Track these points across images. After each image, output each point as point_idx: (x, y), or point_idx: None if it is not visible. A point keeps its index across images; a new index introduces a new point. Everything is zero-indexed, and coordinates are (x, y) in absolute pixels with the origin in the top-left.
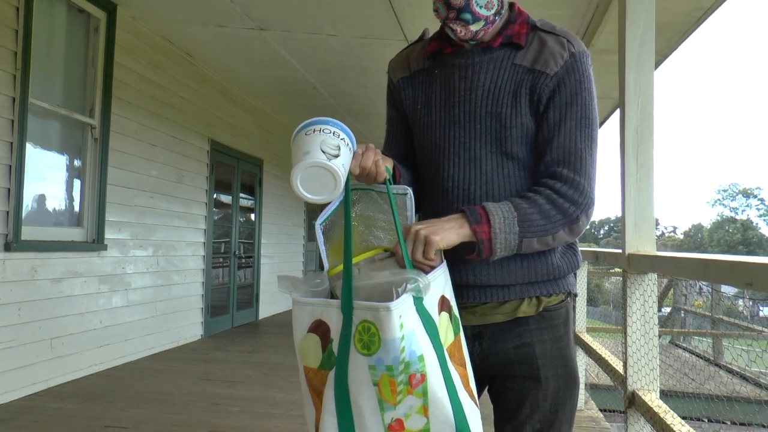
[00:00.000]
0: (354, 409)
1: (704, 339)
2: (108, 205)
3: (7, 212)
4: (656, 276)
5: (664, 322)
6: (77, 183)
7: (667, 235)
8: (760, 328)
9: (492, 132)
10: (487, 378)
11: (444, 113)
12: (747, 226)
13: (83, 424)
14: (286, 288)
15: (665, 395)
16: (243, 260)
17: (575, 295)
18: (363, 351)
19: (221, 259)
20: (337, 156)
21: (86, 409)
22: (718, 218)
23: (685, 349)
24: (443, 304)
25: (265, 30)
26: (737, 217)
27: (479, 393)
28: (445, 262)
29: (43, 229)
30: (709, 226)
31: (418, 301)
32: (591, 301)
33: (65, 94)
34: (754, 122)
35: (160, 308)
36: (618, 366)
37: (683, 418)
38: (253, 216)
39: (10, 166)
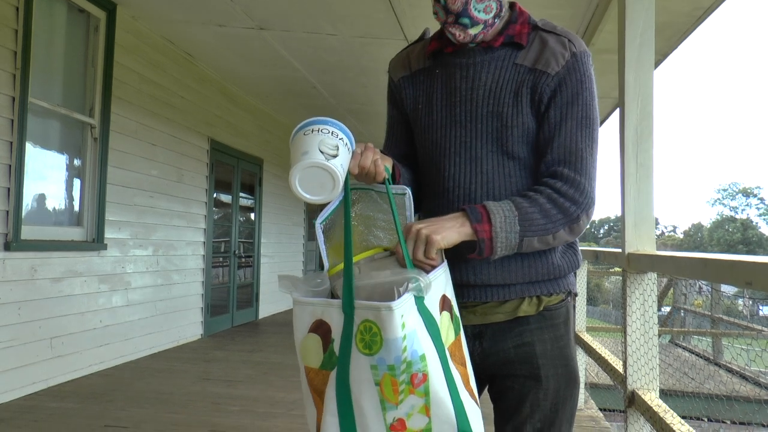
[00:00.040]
0: (355, 409)
1: (704, 338)
2: (108, 205)
3: (7, 212)
4: (656, 275)
5: (663, 321)
6: (77, 182)
7: (667, 234)
8: (759, 327)
9: (493, 132)
10: (487, 377)
11: (445, 113)
12: (747, 225)
13: (83, 424)
14: (287, 288)
15: (665, 394)
16: (243, 260)
17: (575, 295)
18: (365, 351)
19: (221, 259)
20: (335, 156)
21: (86, 409)
22: (718, 217)
23: (684, 348)
24: (444, 303)
25: (264, 29)
26: (737, 217)
27: (479, 392)
28: (445, 262)
29: (42, 228)
30: (709, 226)
31: (419, 301)
32: (591, 301)
33: (65, 93)
34: (754, 122)
35: (160, 308)
36: (618, 365)
37: (683, 417)
38: (252, 215)
39: (10, 166)
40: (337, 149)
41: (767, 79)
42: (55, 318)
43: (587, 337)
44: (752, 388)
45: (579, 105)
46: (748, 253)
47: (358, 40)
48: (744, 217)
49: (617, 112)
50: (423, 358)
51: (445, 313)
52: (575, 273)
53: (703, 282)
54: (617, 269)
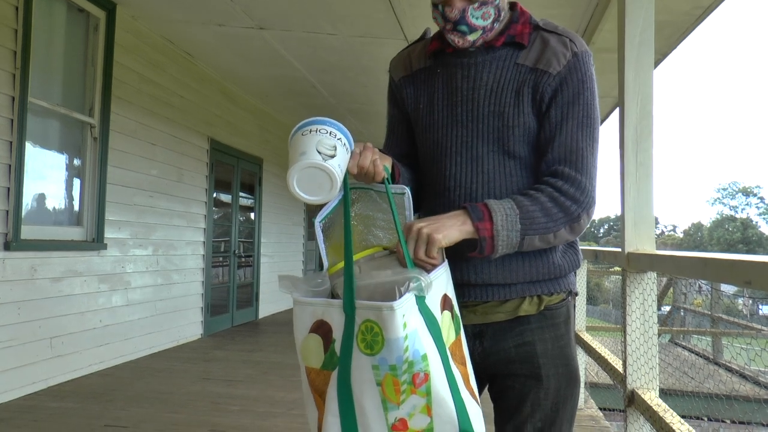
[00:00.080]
0: (357, 409)
1: (703, 337)
2: (108, 204)
3: (7, 211)
4: (656, 275)
5: (663, 320)
6: (77, 182)
7: (666, 233)
8: (759, 326)
9: (494, 131)
10: (487, 377)
11: (447, 113)
12: (747, 224)
13: (83, 423)
14: (287, 288)
15: (665, 394)
16: (243, 259)
17: (576, 294)
18: (366, 351)
19: (221, 258)
20: (333, 156)
21: (86, 408)
22: (718, 217)
23: (684, 347)
24: (445, 302)
25: (264, 29)
26: (737, 216)
27: (479, 392)
28: (446, 261)
29: (42, 228)
30: (708, 225)
31: (420, 300)
32: (590, 300)
33: (65, 93)
34: (754, 121)
35: (160, 307)
36: (617, 365)
37: (683, 416)
38: (252, 215)
39: (10, 166)
40: (335, 149)
41: (766, 79)
42: (55, 318)
43: (587, 337)
44: (752, 387)
45: (580, 104)
46: (748, 252)
47: (357, 39)
48: (744, 216)
49: (617, 111)
50: (425, 357)
51: (446, 313)
52: (575, 272)
53: (703, 281)
54: (617, 268)
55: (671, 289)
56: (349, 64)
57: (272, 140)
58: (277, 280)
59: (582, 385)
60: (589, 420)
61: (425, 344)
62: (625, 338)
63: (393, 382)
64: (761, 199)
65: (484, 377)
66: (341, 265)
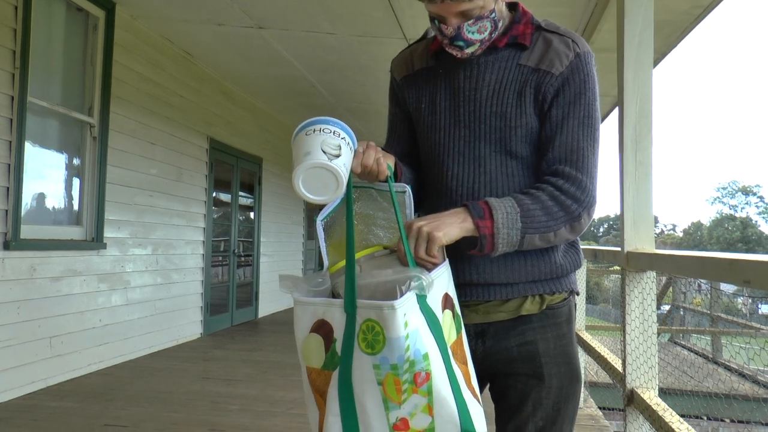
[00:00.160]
0: (358, 408)
1: (703, 336)
2: (107, 204)
3: (6, 211)
4: (655, 274)
5: (663, 320)
6: (76, 181)
7: (666, 232)
8: (758, 325)
9: (496, 132)
10: (488, 376)
11: (449, 113)
12: (746, 223)
13: (83, 423)
14: (288, 288)
15: (664, 393)
16: (242, 258)
17: (577, 293)
18: (367, 350)
19: (221, 258)
20: (338, 156)
21: (86, 408)
22: (718, 216)
23: (683, 346)
24: (446, 301)
25: (263, 28)
26: (737, 215)
27: (480, 391)
28: (447, 260)
29: (42, 227)
30: (708, 224)
31: (421, 299)
32: (590, 299)
33: (64, 92)
34: (754, 120)
35: (160, 307)
36: (617, 364)
37: (682, 416)
38: (252, 214)
39: (9, 165)
40: (340, 149)
41: (767, 78)
42: (55, 317)
43: (586, 336)
44: (751, 386)
45: (581, 104)
46: (747, 251)
47: (356, 38)
48: (743, 215)
49: (616, 110)
50: (426, 357)
51: (448, 312)
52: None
53: (702, 280)
54: (616, 268)
55: (671, 288)
56: (348, 63)
57: (272, 139)
58: (277, 280)
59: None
60: (589, 419)
61: (426, 343)
62: (624, 337)
63: (394, 382)
64: (761, 198)
65: (485, 376)
66: (342, 264)
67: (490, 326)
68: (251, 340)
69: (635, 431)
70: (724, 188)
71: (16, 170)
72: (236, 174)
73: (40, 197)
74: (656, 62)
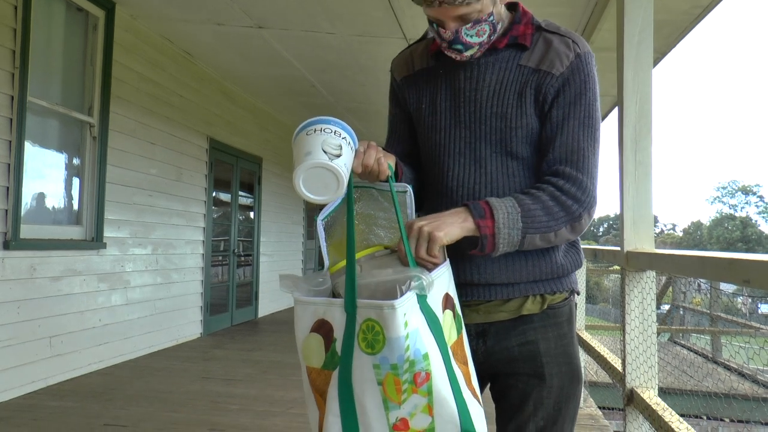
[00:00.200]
0: (358, 408)
1: (702, 336)
2: (107, 204)
3: (6, 211)
4: (655, 273)
5: (663, 319)
6: (76, 181)
7: (666, 232)
8: (757, 325)
9: (497, 132)
10: (489, 376)
11: (449, 114)
12: (746, 223)
13: (82, 423)
14: (288, 287)
15: (664, 393)
16: (242, 258)
17: (578, 293)
18: (367, 350)
19: (220, 257)
20: (339, 156)
21: (85, 408)
22: (718, 215)
23: (683, 346)
24: (447, 301)
25: (263, 28)
26: (736, 215)
27: (481, 391)
28: (448, 260)
29: (42, 227)
30: (708, 224)
31: (422, 299)
32: (590, 299)
33: (64, 92)
34: (754, 120)
35: (160, 306)
36: (616, 363)
37: (681, 415)
38: (252, 214)
39: (9, 165)
40: (341, 149)
41: (766, 78)
42: (55, 317)
43: (586, 336)
44: (750, 385)
45: (582, 105)
46: (747, 251)
47: (356, 38)
48: (743, 215)
49: (616, 110)
50: (426, 357)
51: (448, 312)
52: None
53: (702, 280)
54: (616, 267)
55: (670, 288)
56: (347, 62)
57: (271, 139)
58: (277, 279)
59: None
60: (589, 419)
61: (426, 343)
62: (624, 337)
63: (394, 382)
64: (761, 197)
65: (485, 376)
66: (342, 264)
67: (491, 326)
68: (251, 339)
69: (635, 431)
70: (723, 188)
71: (16, 170)
72: (236, 174)
73: (40, 197)
74: (656, 62)
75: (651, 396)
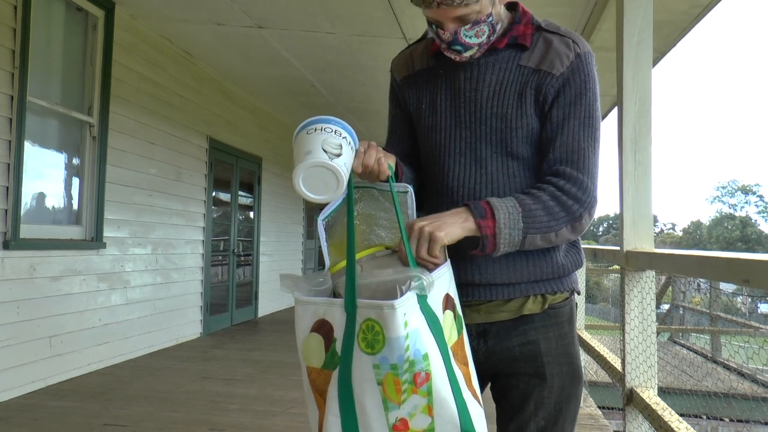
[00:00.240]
0: (358, 408)
1: (702, 336)
2: (107, 203)
3: (6, 210)
4: (654, 273)
5: (662, 319)
6: (76, 181)
7: (666, 231)
8: (757, 324)
9: (497, 133)
10: (489, 376)
11: (449, 114)
12: (746, 222)
13: (82, 422)
14: (289, 287)
15: (663, 392)
16: (242, 258)
17: (578, 293)
18: (367, 350)
19: (220, 257)
20: (339, 155)
21: (85, 407)
22: (717, 215)
23: (683, 345)
24: (447, 302)
25: (263, 28)
26: (736, 214)
27: (481, 391)
28: (449, 261)
29: (41, 227)
30: (708, 223)
31: (422, 300)
32: (590, 298)
33: (63, 92)
34: (753, 119)
35: (159, 306)
36: (616, 363)
37: (681, 415)
38: (252, 214)
39: (9, 165)
40: (341, 148)
41: (766, 77)
42: (54, 317)
43: (586, 335)
44: (750, 385)
45: (582, 105)
46: (747, 250)
47: (356, 38)
48: (743, 214)
49: (615, 110)
50: (426, 357)
51: (449, 312)
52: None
53: (702, 279)
54: (616, 267)
55: (670, 288)
56: (347, 62)
57: (271, 139)
58: (277, 279)
59: None
60: (588, 418)
61: (426, 344)
62: (623, 337)
63: (394, 382)
64: (760, 197)
65: (486, 376)
66: (343, 264)
67: (492, 326)
68: (251, 339)
69: (635, 430)
70: (723, 187)
71: (16, 170)
72: (236, 173)
73: (40, 197)
74: (655, 61)
75: (650, 395)
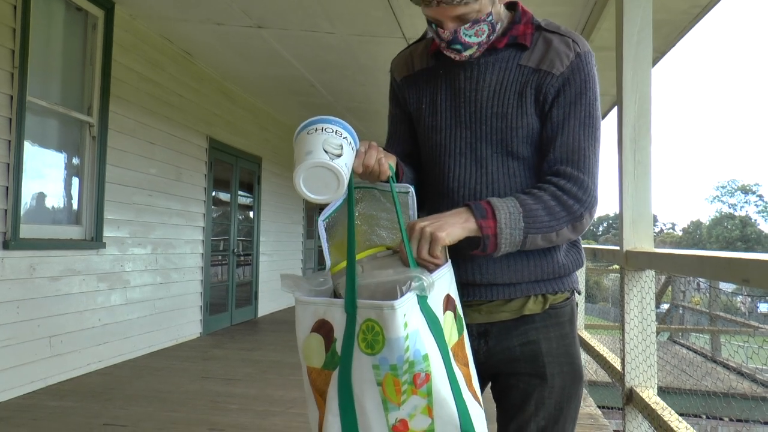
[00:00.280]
0: (357, 409)
1: (702, 335)
2: (106, 203)
3: (6, 210)
4: (654, 273)
5: (662, 318)
6: (75, 181)
7: (665, 231)
8: (756, 324)
9: (497, 132)
10: (490, 376)
11: (450, 114)
12: (746, 222)
13: (82, 422)
14: (289, 287)
15: (663, 392)
16: (242, 258)
17: (579, 293)
18: (367, 350)
19: (220, 257)
20: (339, 155)
21: (85, 407)
22: (717, 215)
23: (683, 345)
24: (448, 303)
25: (263, 28)
26: (736, 214)
27: (481, 391)
28: (450, 261)
29: (41, 227)
30: (707, 223)
31: (422, 300)
32: (590, 298)
33: (63, 92)
34: (753, 119)
35: (159, 306)
36: (616, 363)
37: (681, 414)
38: (251, 214)
39: (8, 165)
40: (341, 148)
41: (766, 77)
42: (54, 317)
43: (586, 335)
44: (749, 384)
45: (582, 105)
46: (746, 250)
47: (356, 38)
48: (743, 214)
49: (615, 109)
50: (426, 358)
51: (449, 313)
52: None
53: (702, 279)
54: (616, 267)
55: (670, 287)
56: (347, 62)
57: (271, 139)
58: (277, 279)
59: None
60: (588, 418)
61: (426, 344)
62: (623, 336)
63: (394, 382)
64: (760, 197)
65: (486, 376)
66: (344, 264)
67: (493, 326)
68: (251, 339)
69: (634, 430)
70: (723, 187)
71: (16, 170)
72: (236, 173)
73: (40, 197)
74: (655, 61)
75: (650, 395)
